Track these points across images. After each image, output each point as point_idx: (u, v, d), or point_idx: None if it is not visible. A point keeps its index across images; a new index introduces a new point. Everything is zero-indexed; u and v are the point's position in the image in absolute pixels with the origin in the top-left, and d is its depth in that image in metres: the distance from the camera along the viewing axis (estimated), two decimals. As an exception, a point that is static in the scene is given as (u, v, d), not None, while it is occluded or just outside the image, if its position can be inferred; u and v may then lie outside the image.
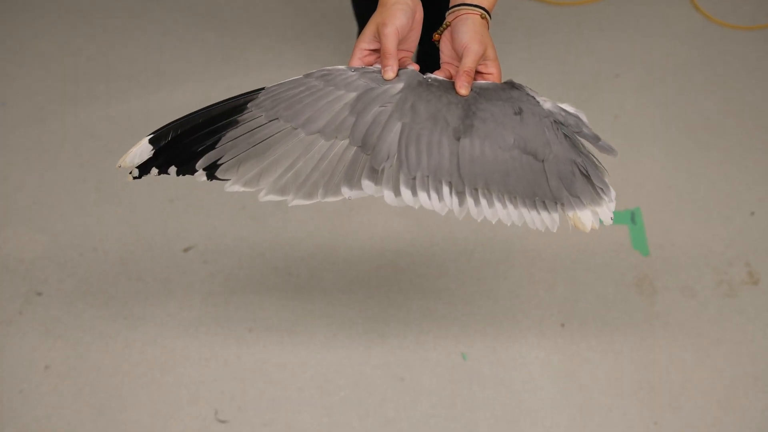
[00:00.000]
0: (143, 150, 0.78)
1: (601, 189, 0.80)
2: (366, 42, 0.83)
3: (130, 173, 0.80)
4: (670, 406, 1.50)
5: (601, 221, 0.80)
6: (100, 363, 1.54)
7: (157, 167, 0.79)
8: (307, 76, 0.79)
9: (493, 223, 0.79)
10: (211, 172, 0.78)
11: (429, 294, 1.64)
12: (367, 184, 0.77)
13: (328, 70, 0.80)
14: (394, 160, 0.76)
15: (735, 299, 1.63)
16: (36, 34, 2.14)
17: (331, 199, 0.78)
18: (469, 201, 0.77)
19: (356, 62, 0.83)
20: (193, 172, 0.79)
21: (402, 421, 1.48)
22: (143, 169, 0.79)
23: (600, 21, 2.17)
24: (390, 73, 0.79)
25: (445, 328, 1.59)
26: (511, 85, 0.83)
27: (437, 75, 0.83)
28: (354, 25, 2.09)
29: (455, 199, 0.77)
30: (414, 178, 0.75)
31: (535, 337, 1.58)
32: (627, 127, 1.93)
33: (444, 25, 0.86)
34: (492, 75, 0.84)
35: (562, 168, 0.79)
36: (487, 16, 0.84)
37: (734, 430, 1.47)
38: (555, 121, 0.81)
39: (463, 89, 0.79)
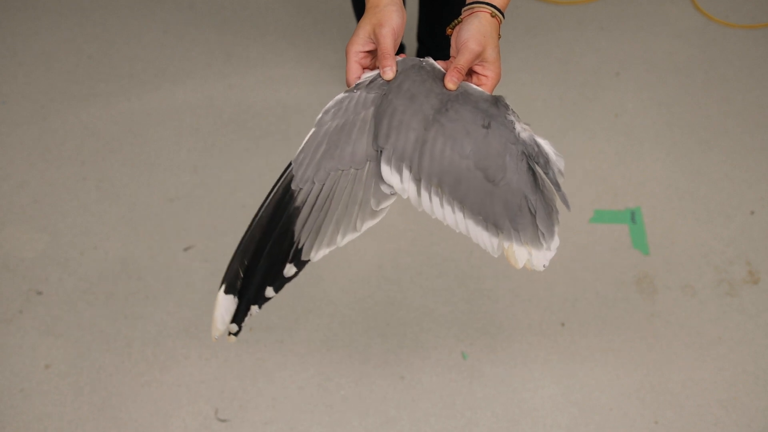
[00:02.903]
0: (226, 305, 0.77)
1: (543, 234, 0.78)
2: (360, 44, 0.83)
3: (230, 334, 0.78)
4: (671, 405, 1.50)
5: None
6: (100, 362, 1.55)
7: (253, 304, 0.77)
8: (319, 125, 0.78)
9: (445, 224, 0.78)
10: (297, 260, 0.78)
11: (429, 293, 1.64)
12: (383, 167, 0.77)
13: (334, 106, 0.78)
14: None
15: (735, 298, 1.63)
16: (37, 32, 2.14)
17: (384, 204, 0.78)
18: (423, 194, 0.76)
19: (353, 65, 0.82)
20: (284, 278, 0.78)
21: (402, 419, 1.48)
22: (238, 318, 0.77)
23: (601, 20, 2.17)
24: (390, 74, 0.79)
25: (445, 327, 1.59)
26: (495, 100, 0.80)
27: (438, 63, 0.83)
28: (354, 23, 2.09)
29: (413, 187, 0.76)
30: (382, 151, 0.76)
31: (535, 336, 1.58)
32: (628, 126, 1.93)
33: (457, 20, 0.86)
34: (487, 77, 0.83)
35: (511, 198, 0.77)
36: (499, 14, 0.82)
37: (735, 429, 1.47)
38: (523, 152, 0.78)
39: (450, 84, 0.79)
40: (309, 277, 1.66)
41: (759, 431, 1.47)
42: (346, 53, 0.83)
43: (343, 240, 0.78)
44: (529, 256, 0.78)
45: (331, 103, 0.79)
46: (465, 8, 0.85)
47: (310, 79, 2.02)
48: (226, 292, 0.77)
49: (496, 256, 0.78)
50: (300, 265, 0.78)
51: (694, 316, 1.61)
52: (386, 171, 0.76)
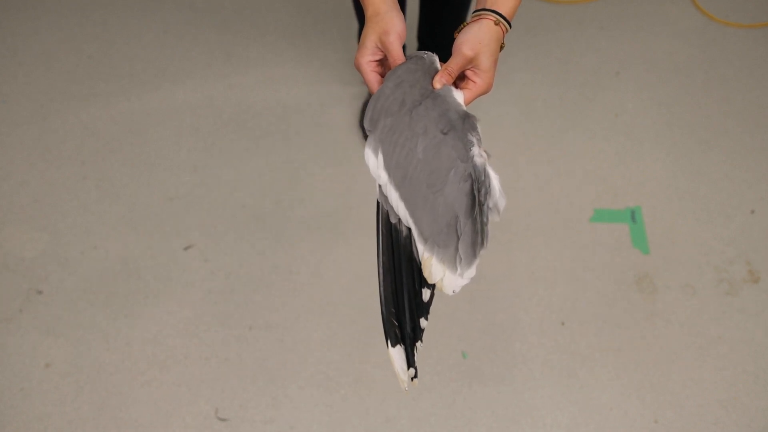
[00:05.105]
0: (399, 356, 0.79)
1: (461, 260, 0.78)
2: (370, 55, 0.83)
3: (412, 378, 0.81)
4: (671, 405, 1.50)
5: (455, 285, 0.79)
6: (100, 361, 1.55)
7: (416, 342, 0.80)
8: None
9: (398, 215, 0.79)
10: (425, 282, 0.79)
11: (429, 292, 1.64)
12: (366, 150, 0.80)
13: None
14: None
15: (735, 297, 1.63)
16: (37, 32, 2.14)
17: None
18: (387, 182, 0.77)
19: (371, 76, 0.83)
20: (427, 304, 0.80)
21: (402, 419, 1.48)
22: (410, 360, 0.80)
23: (601, 19, 2.17)
24: None
25: (445, 326, 1.59)
26: (466, 116, 0.79)
27: (438, 63, 0.83)
28: (354, 23, 2.09)
29: (384, 174, 0.77)
30: (369, 134, 0.78)
31: (536, 336, 1.58)
32: (628, 126, 1.93)
33: (463, 24, 0.86)
34: (475, 84, 0.82)
35: (442, 212, 0.76)
36: (504, 22, 0.82)
37: (735, 429, 1.47)
38: (470, 175, 0.77)
39: (437, 83, 0.80)
40: (309, 276, 1.66)
41: (759, 431, 1.47)
42: (359, 66, 0.83)
43: None
44: (443, 275, 0.78)
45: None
46: (473, 13, 0.85)
47: (310, 79, 2.02)
48: (393, 345, 0.79)
49: (420, 263, 0.78)
50: (430, 285, 0.80)
51: (694, 315, 1.61)
52: (368, 153, 0.77)
